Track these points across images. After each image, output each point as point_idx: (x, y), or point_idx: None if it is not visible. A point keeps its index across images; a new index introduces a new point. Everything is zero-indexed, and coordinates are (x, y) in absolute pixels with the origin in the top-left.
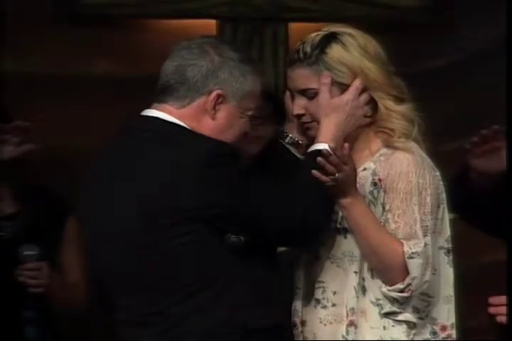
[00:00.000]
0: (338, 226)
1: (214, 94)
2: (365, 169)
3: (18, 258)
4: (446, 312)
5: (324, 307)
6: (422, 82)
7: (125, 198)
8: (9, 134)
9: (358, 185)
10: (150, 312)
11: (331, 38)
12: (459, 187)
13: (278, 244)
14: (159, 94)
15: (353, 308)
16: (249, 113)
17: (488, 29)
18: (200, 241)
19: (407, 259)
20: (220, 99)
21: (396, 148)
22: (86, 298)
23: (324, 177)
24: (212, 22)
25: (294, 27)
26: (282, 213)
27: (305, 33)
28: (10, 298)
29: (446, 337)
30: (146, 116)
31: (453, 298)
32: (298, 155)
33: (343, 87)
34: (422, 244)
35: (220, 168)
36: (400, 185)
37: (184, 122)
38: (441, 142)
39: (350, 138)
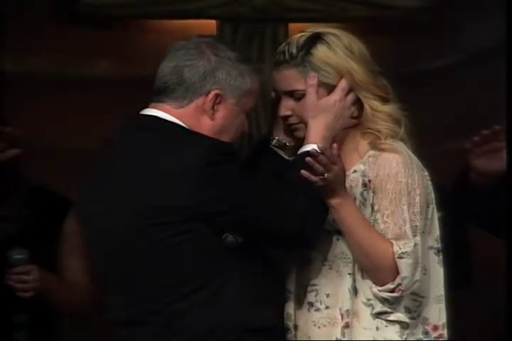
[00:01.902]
0: (331, 228)
1: (212, 94)
2: (355, 171)
3: (7, 262)
4: (437, 312)
5: (318, 310)
6: (421, 82)
7: (125, 197)
8: None
9: (349, 187)
10: (148, 311)
11: (316, 38)
12: (460, 187)
13: (275, 244)
14: (157, 94)
15: (347, 310)
16: (248, 111)
17: (489, 29)
18: (199, 240)
19: (397, 259)
20: (219, 99)
21: (384, 150)
22: (88, 297)
23: (313, 177)
24: (213, 22)
25: (294, 27)
26: (281, 213)
27: None
28: (0, 302)
29: (438, 337)
30: (145, 115)
31: (443, 298)
32: (286, 158)
33: (330, 88)
34: (412, 244)
35: (220, 166)
36: (389, 186)
37: (183, 122)
38: (441, 142)
39: (338, 140)
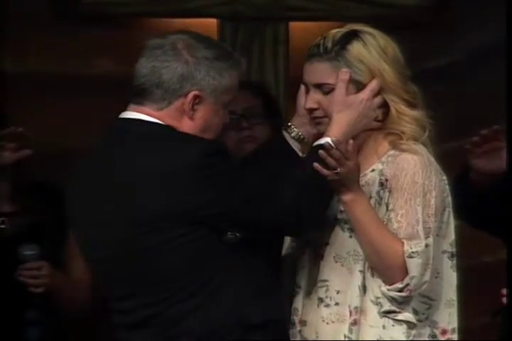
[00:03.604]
0: (344, 225)
1: (191, 95)
2: (373, 170)
3: (18, 259)
4: (447, 317)
5: (327, 306)
6: (421, 82)
7: (120, 205)
8: (4, 140)
9: (366, 186)
10: (149, 314)
11: (353, 35)
12: (460, 186)
13: (273, 236)
14: (136, 95)
15: (356, 307)
16: (227, 105)
17: (489, 28)
18: (197, 241)
19: (406, 258)
20: (198, 100)
21: (404, 150)
22: (91, 297)
23: (326, 171)
24: (213, 21)
25: (295, 26)
26: (277, 208)
27: (305, 32)
28: (12, 298)
29: None
30: (128, 119)
31: (455, 303)
32: (298, 152)
33: (359, 86)
34: (423, 245)
35: (213, 168)
36: (405, 186)
37: (165, 123)
38: (441, 142)
39: (359, 141)
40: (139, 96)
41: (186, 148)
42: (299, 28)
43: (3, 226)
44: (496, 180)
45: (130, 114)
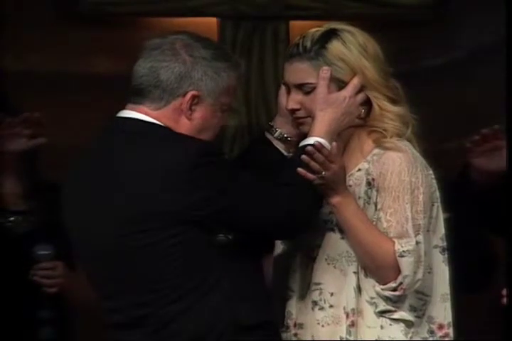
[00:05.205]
0: (334, 227)
1: (189, 95)
2: (359, 170)
3: (33, 258)
4: (442, 311)
5: (322, 308)
6: (421, 81)
7: (112, 204)
8: (19, 127)
9: (353, 186)
10: (141, 314)
11: (332, 34)
12: (460, 185)
13: (264, 238)
14: (134, 95)
15: (353, 309)
16: (226, 107)
17: (489, 28)
18: (189, 242)
19: (398, 258)
20: (196, 100)
21: (388, 148)
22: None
23: (310, 175)
24: (214, 20)
25: (295, 25)
26: (269, 210)
27: (306, 31)
28: (26, 298)
29: (444, 336)
30: (124, 118)
31: (449, 297)
32: (283, 152)
33: (341, 84)
34: (414, 243)
35: (206, 168)
36: (392, 184)
37: (162, 122)
38: (441, 141)
39: (343, 138)
40: (137, 95)
41: (179, 148)
42: (299, 27)
43: (17, 228)
44: (496, 178)
45: (127, 113)
